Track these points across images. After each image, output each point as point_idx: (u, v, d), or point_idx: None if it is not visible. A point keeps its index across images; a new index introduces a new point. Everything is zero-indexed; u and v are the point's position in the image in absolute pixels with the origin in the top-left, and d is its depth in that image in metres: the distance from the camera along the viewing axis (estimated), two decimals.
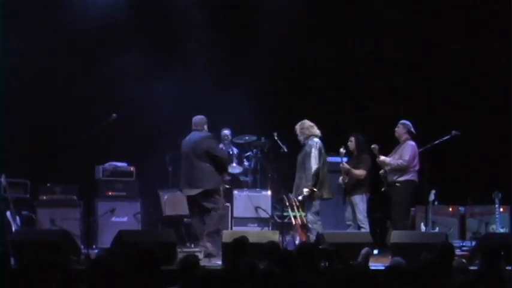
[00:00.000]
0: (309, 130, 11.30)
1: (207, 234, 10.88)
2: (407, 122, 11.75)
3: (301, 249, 7.35)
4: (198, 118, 11.22)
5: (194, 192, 11.04)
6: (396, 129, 11.76)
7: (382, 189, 11.70)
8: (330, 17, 13.79)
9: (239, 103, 12.81)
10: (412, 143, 11.64)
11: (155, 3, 13.41)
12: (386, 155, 11.66)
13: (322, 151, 11.22)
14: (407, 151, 11.56)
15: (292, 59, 13.78)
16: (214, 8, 13.46)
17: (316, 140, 11.25)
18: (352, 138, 11.94)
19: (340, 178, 11.80)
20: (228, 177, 12.14)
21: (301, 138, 11.32)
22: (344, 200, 11.85)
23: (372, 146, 11.61)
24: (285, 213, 11.84)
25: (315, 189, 11.10)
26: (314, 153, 11.14)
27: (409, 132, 11.70)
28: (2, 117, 12.69)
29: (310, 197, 11.10)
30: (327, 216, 12.26)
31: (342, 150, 11.54)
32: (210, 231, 10.89)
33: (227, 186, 12.27)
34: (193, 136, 11.14)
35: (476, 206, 12.62)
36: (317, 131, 11.34)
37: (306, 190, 11.09)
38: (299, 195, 11.15)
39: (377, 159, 11.64)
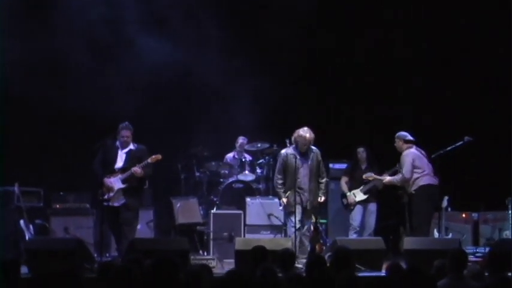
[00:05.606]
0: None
1: None
2: (402, 133, 11.68)
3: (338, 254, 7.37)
4: None
5: None
6: (395, 144, 11.70)
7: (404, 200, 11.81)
8: (340, 17, 13.79)
9: (251, 110, 12.77)
10: (406, 152, 11.54)
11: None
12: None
13: None
14: (403, 163, 11.53)
15: (304, 65, 13.75)
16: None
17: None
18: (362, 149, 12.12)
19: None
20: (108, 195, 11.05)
21: (307, 147, 11.19)
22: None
23: (365, 175, 11.83)
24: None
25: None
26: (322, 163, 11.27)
27: (406, 141, 11.62)
28: (14, 126, 12.73)
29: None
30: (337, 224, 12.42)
31: None
32: None
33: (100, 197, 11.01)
34: None
35: (490, 212, 12.58)
36: None
37: (324, 199, 11.31)
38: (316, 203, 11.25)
39: (383, 181, 11.69)
